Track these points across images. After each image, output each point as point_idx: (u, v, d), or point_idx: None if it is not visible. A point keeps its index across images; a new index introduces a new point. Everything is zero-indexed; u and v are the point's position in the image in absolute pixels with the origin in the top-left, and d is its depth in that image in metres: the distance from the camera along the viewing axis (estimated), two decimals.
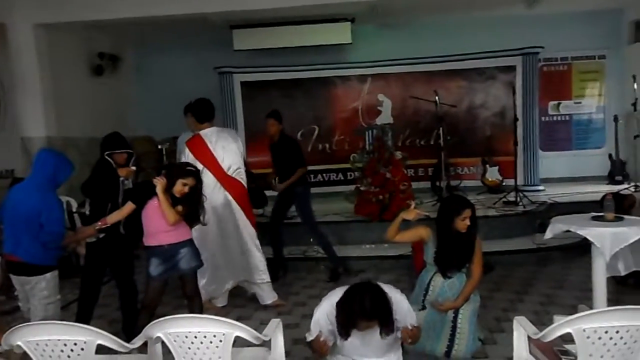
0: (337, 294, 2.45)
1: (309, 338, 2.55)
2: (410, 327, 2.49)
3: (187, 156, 4.26)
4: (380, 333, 2.35)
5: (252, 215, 4.54)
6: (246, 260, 4.48)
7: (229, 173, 4.34)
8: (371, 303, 2.28)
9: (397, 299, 2.48)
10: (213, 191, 4.21)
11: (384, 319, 2.32)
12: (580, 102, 8.55)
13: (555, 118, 8.62)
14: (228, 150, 4.33)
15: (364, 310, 2.27)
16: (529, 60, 7.71)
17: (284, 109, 8.15)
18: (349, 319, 2.33)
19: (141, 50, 8.86)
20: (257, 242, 4.51)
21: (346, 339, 2.40)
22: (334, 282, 5.00)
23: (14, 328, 2.28)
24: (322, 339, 2.44)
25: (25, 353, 2.31)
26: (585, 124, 8.57)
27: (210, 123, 4.38)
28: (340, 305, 2.37)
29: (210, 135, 4.31)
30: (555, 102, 8.57)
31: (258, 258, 4.47)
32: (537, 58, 7.79)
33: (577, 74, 8.52)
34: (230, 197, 4.35)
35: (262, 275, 4.50)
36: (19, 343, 2.26)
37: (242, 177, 4.42)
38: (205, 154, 4.26)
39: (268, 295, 4.57)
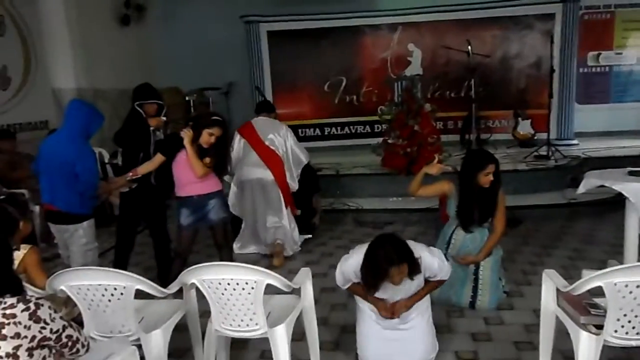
0: (365, 248, 2.47)
1: (344, 287, 2.66)
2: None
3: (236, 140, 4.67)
4: (410, 275, 2.41)
5: (287, 194, 4.71)
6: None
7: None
8: (395, 249, 2.33)
9: (426, 257, 2.52)
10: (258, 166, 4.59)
11: (411, 261, 2.37)
12: (621, 53, 8.15)
13: (594, 69, 8.25)
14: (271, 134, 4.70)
15: (390, 258, 2.31)
16: (570, 8, 7.32)
17: (311, 59, 8.14)
18: (378, 272, 2.36)
19: None
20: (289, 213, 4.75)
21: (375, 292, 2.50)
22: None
23: (56, 274, 2.38)
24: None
25: (68, 297, 2.42)
26: (625, 76, 8.20)
27: (268, 114, 4.85)
28: (365, 263, 2.41)
29: (258, 122, 4.78)
30: (595, 53, 8.19)
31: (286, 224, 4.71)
32: (578, 5, 7.40)
33: (620, 23, 8.08)
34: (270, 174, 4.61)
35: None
36: (62, 287, 2.37)
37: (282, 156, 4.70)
38: (252, 135, 4.68)
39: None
